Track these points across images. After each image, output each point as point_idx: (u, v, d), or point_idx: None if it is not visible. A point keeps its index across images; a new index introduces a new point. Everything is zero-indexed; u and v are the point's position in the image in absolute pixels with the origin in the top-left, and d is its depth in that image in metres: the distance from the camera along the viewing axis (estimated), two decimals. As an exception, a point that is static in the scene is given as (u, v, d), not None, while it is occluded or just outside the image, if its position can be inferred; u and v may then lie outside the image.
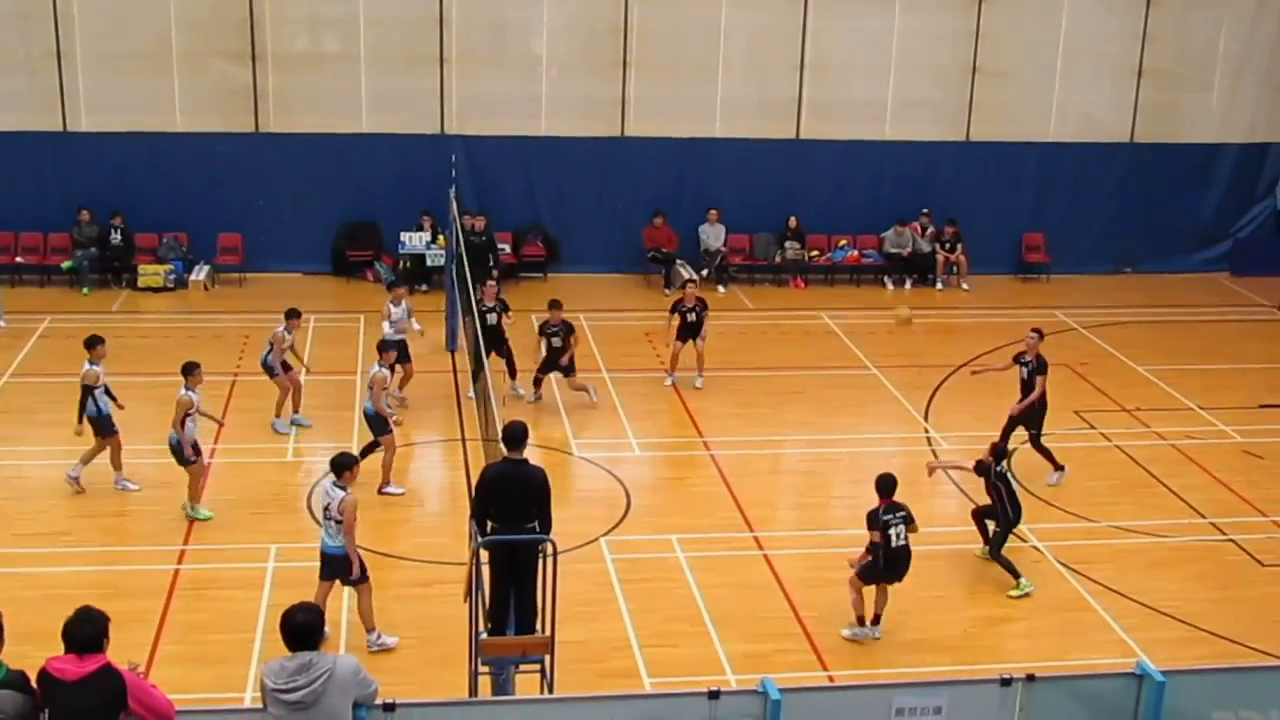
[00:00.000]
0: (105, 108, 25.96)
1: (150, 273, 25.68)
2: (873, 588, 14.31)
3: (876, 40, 27.63)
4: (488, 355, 19.74)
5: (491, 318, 20.12)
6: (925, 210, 28.03)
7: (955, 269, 27.84)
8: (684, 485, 18.26)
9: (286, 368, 19.45)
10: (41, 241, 26.11)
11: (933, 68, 27.95)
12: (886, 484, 14.38)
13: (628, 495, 17.72)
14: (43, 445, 18.72)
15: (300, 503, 17.14)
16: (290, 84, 26.45)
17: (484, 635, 11.57)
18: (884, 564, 14.11)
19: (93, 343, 17.22)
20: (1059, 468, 18.38)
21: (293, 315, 19.51)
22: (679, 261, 27.20)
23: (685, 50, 27.25)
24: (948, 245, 27.77)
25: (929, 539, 16.11)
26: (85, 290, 25.46)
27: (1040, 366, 18.25)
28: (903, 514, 14.25)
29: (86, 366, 17.03)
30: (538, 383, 20.46)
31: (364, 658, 11.04)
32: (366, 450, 17.23)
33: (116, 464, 17.17)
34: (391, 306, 19.99)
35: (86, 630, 7.54)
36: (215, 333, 23.30)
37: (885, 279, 27.92)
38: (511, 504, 11.64)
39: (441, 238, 25.42)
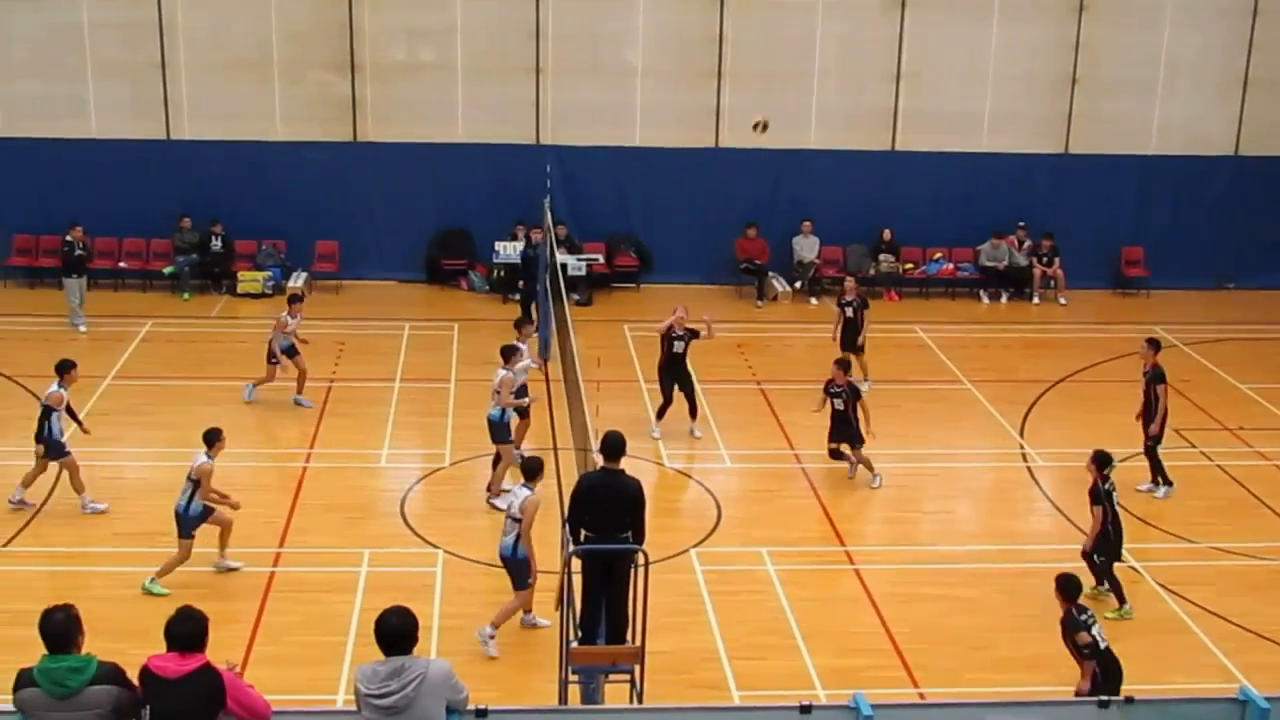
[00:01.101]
0: (207, 116, 26.44)
1: (249, 279, 26.05)
2: None
3: (974, 50, 27.36)
4: (670, 388, 19.70)
5: (679, 345, 19.53)
6: (1021, 223, 27.70)
7: (1052, 283, 27.48)
8: (774, 498, 18.16)
9: (292, 352, 20.31)
10: (144, 247, 26.60)
11: (1031, 78, 27.63)
12: (1072, 585, 12.63)
13: (718, 507, 17.67)
14: (142, 446, 19.09)
15: (393, 508, 17.29)
16: (388, 93, 26.76)
17: (574, 644, 11.58)
18: (1103, 675, 12.29)
19: (66, 367, 16.94)
20: (1168, 483, 18.10)
21: (294, 300, 20.74)
22: (771, 274, 27.13)
23: (779, 60, 27.16)
24: (1044, 259, 27.42)
25: (1025, 556, 15.95)
26: (185, 295, 25.90)
27: (1156, 376, 17.94)
28: (1092, 613, 12.68)
29: (54, 388, 16.71)
30: (834, 454, 18.59)
31: (456, 663, 11.04)
32: (496, 460, 17.42)
33: (77, 487, 16.78)
34: (521, 345, 18.45)
35: (188, 628, 7.63)
36: (311, 339, 23.53)
37: (980, 292, 27.64)
38: (605, 513, 11.65)
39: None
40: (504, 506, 16.00)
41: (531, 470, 14.00)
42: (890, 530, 17.57)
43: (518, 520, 13.72)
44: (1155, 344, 18.36)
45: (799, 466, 18.96)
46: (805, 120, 27.38)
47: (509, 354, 17.64)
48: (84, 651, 7.64)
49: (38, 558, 15.79)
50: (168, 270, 26.12)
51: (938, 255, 27.78)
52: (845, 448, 18.42)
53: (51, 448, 16.68)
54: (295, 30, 26.39)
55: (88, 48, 26.14)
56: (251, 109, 26.48)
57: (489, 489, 17.35)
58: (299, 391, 20.49)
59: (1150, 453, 18.13)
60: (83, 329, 23.55)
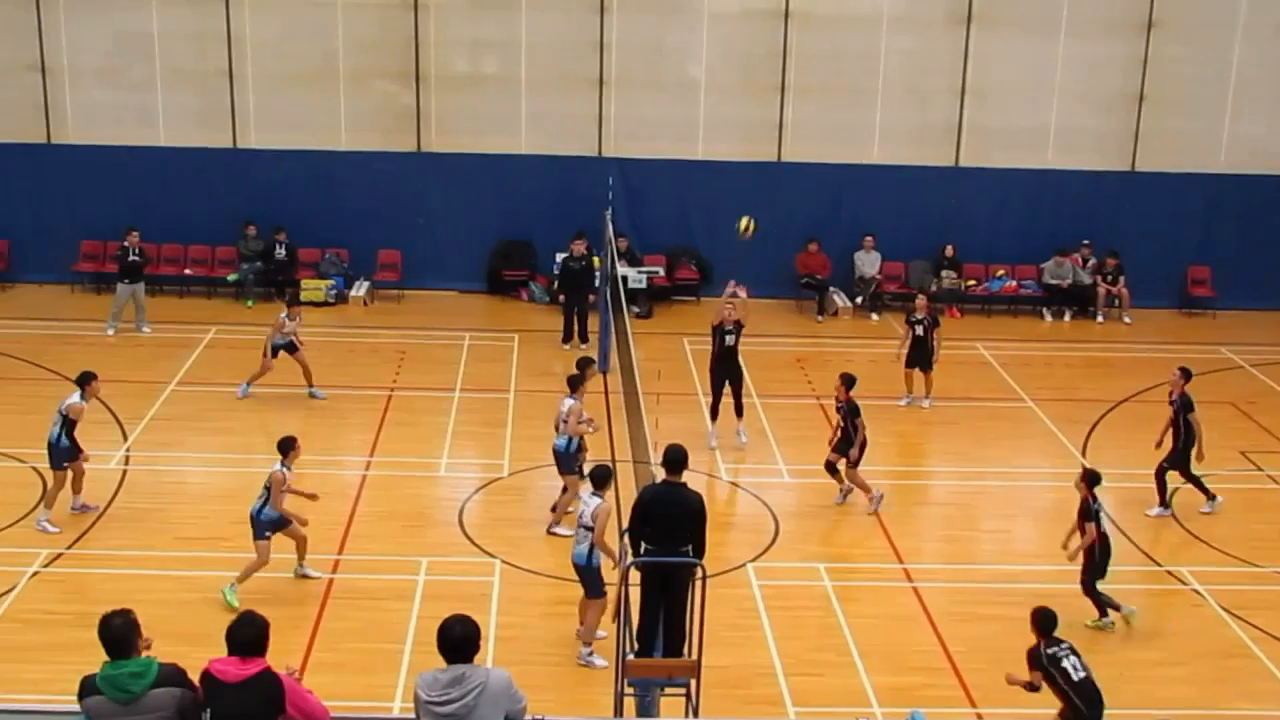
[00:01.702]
0: (273, 126, 26.71)
1: (311, 287, 26.23)
2: None
3: (1040, 67, 27.13)
4: (721, 384, 19.63)
5: (730, 339, 19.48)
6: (1086, 241, 27.44)
7: (1116, 302, 27.20)
8: (832, 513, 18.05)
9: (292, 349, 20.95)
10: (209, 254, 26.90)
11: (1098, 95, 27.38)
12: (1047, 620, 12.13)
13: (776, 521, 17.61)
14: (205, 451, 19.27)
15: (452, 517, 17.34)
16: (452, 105, 26.92)
17: (631, 656, 11.57)
18: (1086, 708, 11.75)
19: (88, 378, 16.63)
20: (1164, 505, 17.96)
21: (294, 303, 21.95)
22: (832, 289, 27.03)
23: (843, 75, 27.09)
24: (1109, 277, 27.15)
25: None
26: (249, 303, 26.13)
27: (1185, 404, 17.80)
28: (1068, 645, 12.06)
29: (76, 399, 16.42)
30: (830, 468, 18.09)
31: (512, 672, 11.17)
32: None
33: (49, 502, 16.49)
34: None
35: (249, 633, 7.70)
36: (372, 347, 23.74)
37: (1044, 310, 27.40)
38: (665, 526, 11.65)
39: (596, 259, 25.52)
40: (567, 534, 16.03)
41: (600, 479, 13.96)
42: (948, 548, 17.43)
43: (589, 529, 13.71)
44: (1187, 373, 18.19)
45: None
46: (869, 135, 27.26)
47: (576, 383, 17.23)
48: (161, 656, 7.71)
49: (99, 560, 15.93)
50: (232, 278, 26.38)
51: (1001, 272, 27.57)
52: (841, 464, 18.04)
53: (57, 455, 16.39)
54: (361, 41, 26.61)
55: (157, 57, 26.48)
56: (317, 119, 26.71)
57: (553, 510, 17.20)
58: (309, 384, 20.95)
59: (1159, 475, 17.95)
60: (110, 333, 23.82)
